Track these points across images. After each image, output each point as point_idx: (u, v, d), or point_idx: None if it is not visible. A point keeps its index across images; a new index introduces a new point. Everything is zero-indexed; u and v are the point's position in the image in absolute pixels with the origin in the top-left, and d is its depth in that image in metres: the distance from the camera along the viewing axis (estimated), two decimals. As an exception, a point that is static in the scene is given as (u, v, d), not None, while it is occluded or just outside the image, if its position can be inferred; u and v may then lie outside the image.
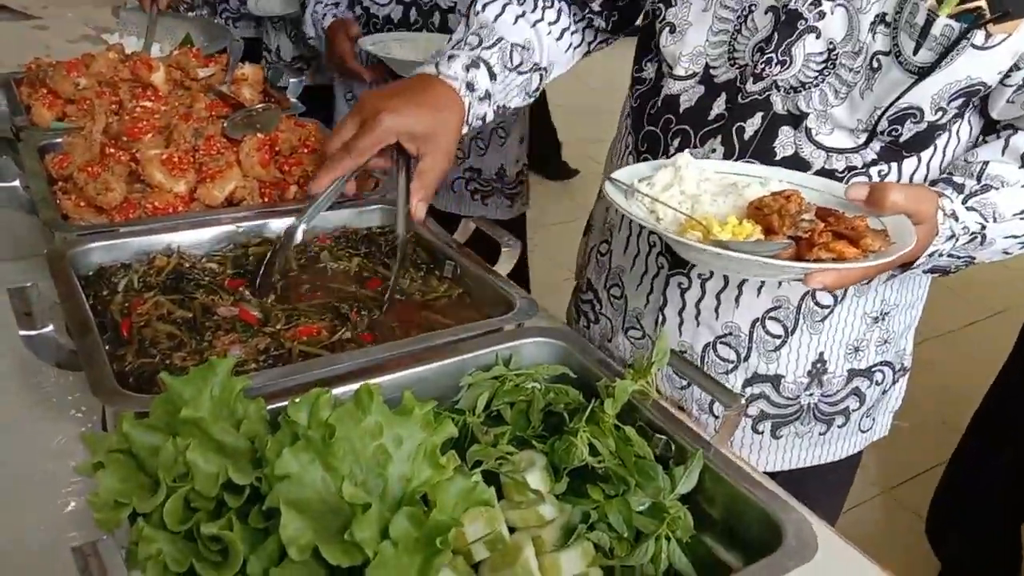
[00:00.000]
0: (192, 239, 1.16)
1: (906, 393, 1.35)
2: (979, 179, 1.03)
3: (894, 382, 1.29)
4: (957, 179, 1.04)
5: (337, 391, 0.87)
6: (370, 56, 1.97)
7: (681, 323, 1.20)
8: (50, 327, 0.89)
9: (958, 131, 1.08)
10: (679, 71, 1.14)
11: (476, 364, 0.97)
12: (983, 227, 1.01)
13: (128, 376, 0.91)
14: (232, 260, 1.15)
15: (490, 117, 1.24)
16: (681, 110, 1.14)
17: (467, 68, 1.19)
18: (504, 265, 1.17)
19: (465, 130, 1.21)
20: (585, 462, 0.83)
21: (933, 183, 1.05)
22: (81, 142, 1.28)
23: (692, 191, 1.01)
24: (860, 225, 0.90)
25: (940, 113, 1.01)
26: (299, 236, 1.14)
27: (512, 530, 0.78)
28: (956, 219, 1.00)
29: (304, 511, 0.62)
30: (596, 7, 1.29)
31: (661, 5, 1.14)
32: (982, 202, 1.01)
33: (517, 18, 1.25)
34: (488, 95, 1.22)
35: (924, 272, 1.07)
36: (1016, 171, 1.04)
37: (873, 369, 1.23)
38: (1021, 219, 1.03)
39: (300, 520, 0.61)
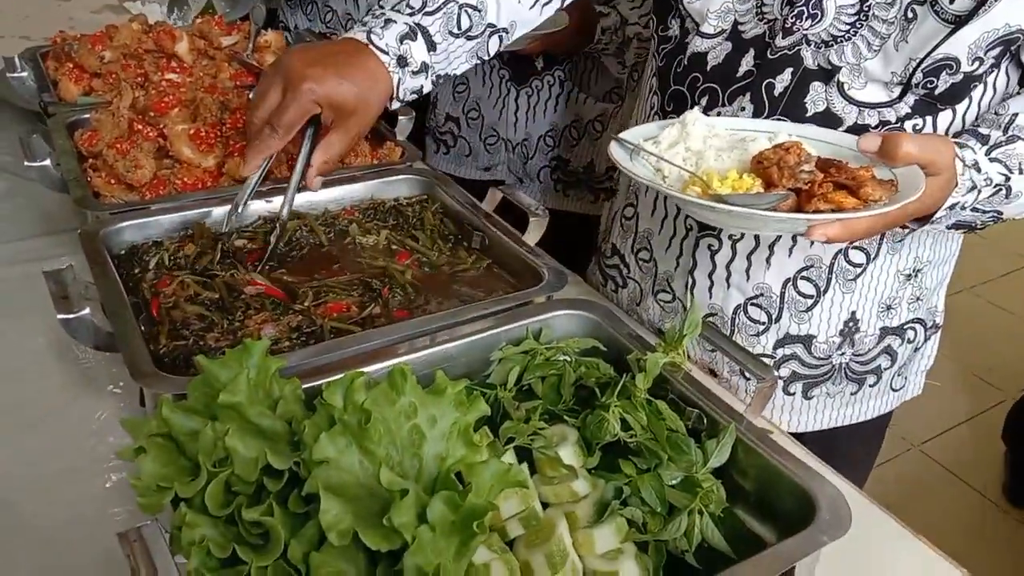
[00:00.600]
0: (222, 215, 1.17)
1: (941, 345, 1.34)
2: (1006, 130, 1.01)
3: (926, 339, 1.28)
4: (983, 130, 1.01)
5: (369, 368, 0.88)
6: None
7: (711, 285, 1.19)
8: (86, 310, 0.90)
9: (994, 82, 1.05)
10: (707, 28, 1.12)
11: (506, 338, 0.97)
12: (1007, 178, 0.99)
13: (163, 357, 0.92)
14: (263, 235, 1.15)
15: (427, 88, 1.16)
16: (708, 67, 1.13)
17: (401, 39, 1.10)
18: (532, 234, 1.17)
19: (395, 105, 1.15)
20: (617, 437, 0.83)
21: (957, 134, 1.03)
22: (109, 118, 1.28)
23: (697, 147, 1.00)
24: (862, 175, 0.89)
25: (977, 63, 0.98)
26: (232, 223, 1.14)
27: (545, 506, 0.79)
28: (978, 170, 0.97)
29: (342, 495, 0.63)
30: None
31: None
32: (1007, 153, 0.99)
33: None
34: (425, 67, 1.13)
35: (948, 228, 1.05)
36: None
37: (905, 327, 1.22)
38: None
39: (339, 505, 0.62)
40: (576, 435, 0.85)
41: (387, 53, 1.09)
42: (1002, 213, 1.03)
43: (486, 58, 1.21)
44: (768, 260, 1.15)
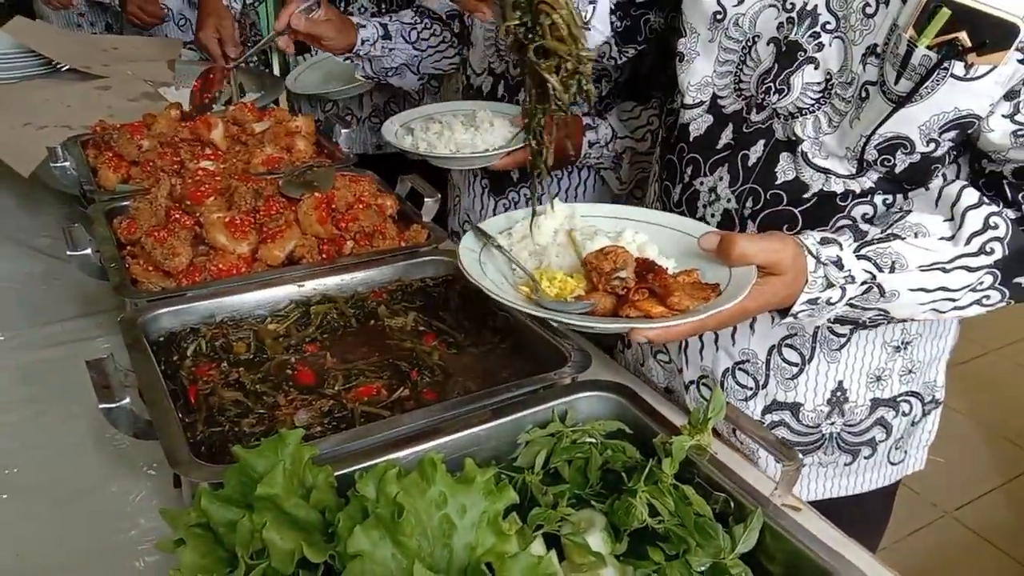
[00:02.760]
0: (255, 300, 1.20)
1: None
2: (889, 228, 1.01)
3: (924, 414, 1.27)
4: (863, 226, 1.02)
5: (400, 454, 0.90)
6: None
7: (702, 348, 1.22)
8: (127, 399, 0.93)
9: (950, 168, 1.07)
10: (687, 99, 1.17)
11: (533, 420, 0.99)
12: (874, 276, 0.98)
13: (200, 445, 0.95)
14: (296, 321, 1.19)
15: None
16: (691, 138, 1.18)
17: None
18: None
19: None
20: (645, 523, 0.84)
21: (838, 230, 1.03)
22: (147, 207, 1.34)
23: (544, 242, 1.06)
24: (672, 283, 0.93)
25: (933, 145, 1.00)
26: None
27: (575, 593, 0.80)
28: (840, 267, 0.96)
29: (376, 589, 0.65)
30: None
31: (677, 36, 1.18)
32: (878, 251, 0.98)
33: None
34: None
35: (829, 321, 1.06)
36: (939, 223, 1.01)
37: (899, 399, 1.22)
38: (927, 272, 0.99)
39: (373, 599, 0.64)
40: (604, 521, 0.86)
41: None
42: (888, 311, 1.03)
43: None
44: (752, 326, 1.17)
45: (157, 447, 0.90)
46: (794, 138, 1.08)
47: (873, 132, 1.00)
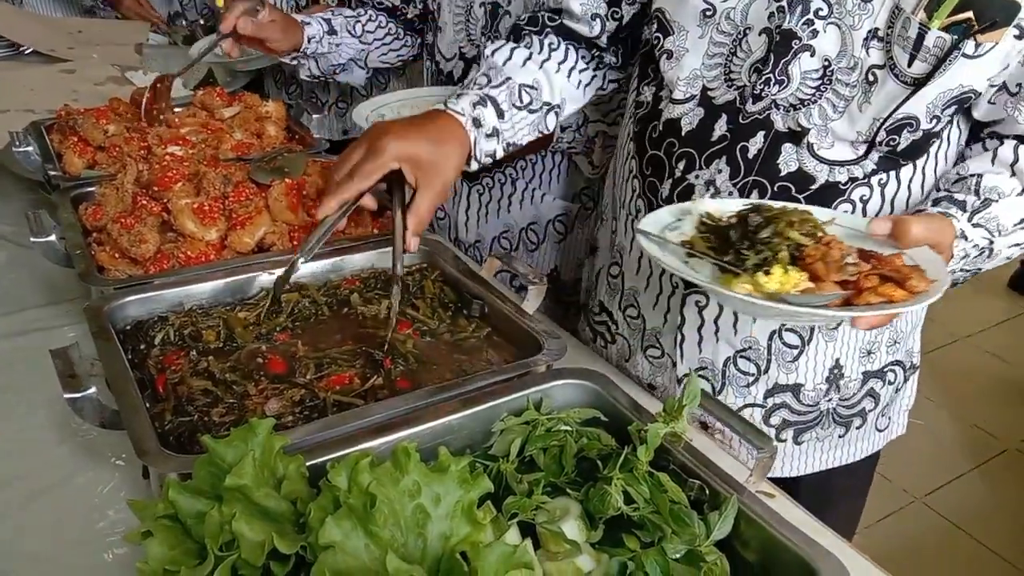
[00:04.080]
0: (225, 287, 1.18)
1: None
2: (978, 193, 1.06)
3: (905, 380, 1.32)
4: (958, 196, 1.06)
5: (373, 443, 0.89)
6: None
7: (700, 340, 1.23)
8: (92, 389, 0.91)
9: (948, 135, 1.11)
10: (677, 95, 1.17)
11: (507, 409, 0.98)
12: (991, 242, 1.04)
13: (169, 435, 0.93)
14: (266, 309, 1.17)
15: (499, 153, 1.27)
16: (683, 133, 1.17)
17: (474, 105, 1.23)
18: (531, 302, 1.19)
19: (474, 166, 1.24)
20: (620, 511, 0.83)
21: (936, 202, 1.07)
22: (113, 193, 1.31)
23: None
24: (903, 268, 0.91)
25: (935, 121, 1.05)
26: (294, 270, 1.17)
27: (550, 582, 0.79)
28: (966, 238, 1.02)
29: (349, 580, 0.64)
30: (602, 43, 1.31)
31: (659, 35, 1.18)
32: (986, 217, 1.04)
33: (525, 60, 1.28)
34: (496, 132, 1.25)
35: None
36: (1009, 180, 1.07)
37: (885, 369, 1.27)
38: (1021, 228, 1.07)
39: (346, 590, 0.62)
40: (579, 509, 0.85)
41: (463, 115, 1.22)
42: (981, 268, 1.10)
43: (546, 132, 1.33)
44: None
45: (125, 437, 0.88)
46: (799, 128, 1.08)
47: (889, 116, 1.03)
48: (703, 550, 0.81)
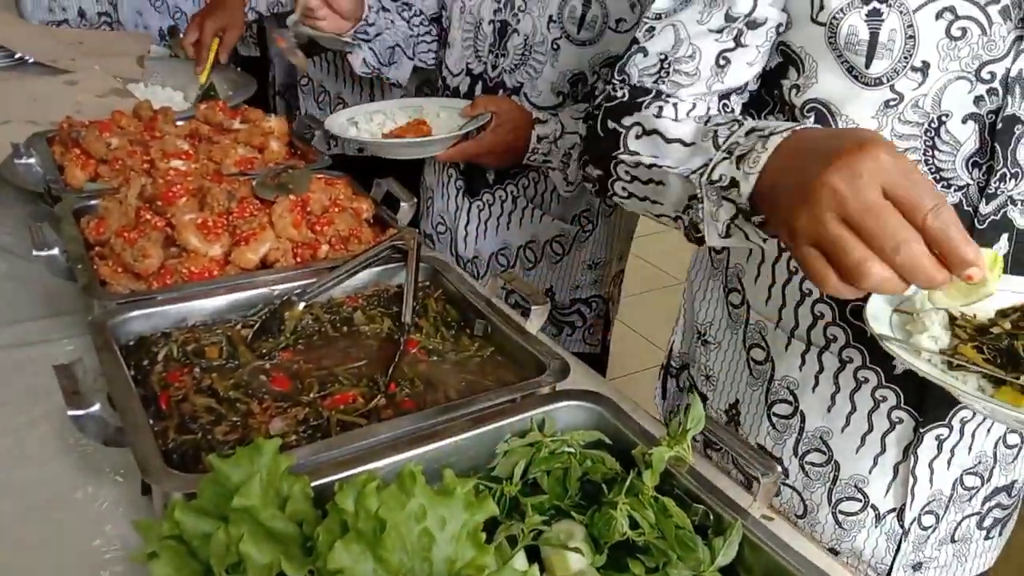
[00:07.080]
0: (228, 303, 1.18)
1: None
2: None
3: None
4: None
5: (378, 464, 0.89)
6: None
7: (932, 475, 1.11)
8: (96, 406, 0.91)
9: None
10: None
11: (511, 430, 0.98)
12: None
13: (172, 453, 0.92)
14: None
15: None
16: None
17: None
18: (534, 323, 1.19)
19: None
20: (626, 536, 0.83)
21: None
22: (116, 207, 1.31)
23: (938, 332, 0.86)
24: None
25: None
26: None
27: (555, 606, 0.79)
28: None
29: (357, 605, 0.64)
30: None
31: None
32: None
33: None
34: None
35: None
36: None
37: None
38: None
39: (354, 616, 0.62)
40: (584, 532, 0.85)
41: None
42: None
43: None
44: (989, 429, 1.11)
45: (124, 452, 0.88)
46: None
47: None
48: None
